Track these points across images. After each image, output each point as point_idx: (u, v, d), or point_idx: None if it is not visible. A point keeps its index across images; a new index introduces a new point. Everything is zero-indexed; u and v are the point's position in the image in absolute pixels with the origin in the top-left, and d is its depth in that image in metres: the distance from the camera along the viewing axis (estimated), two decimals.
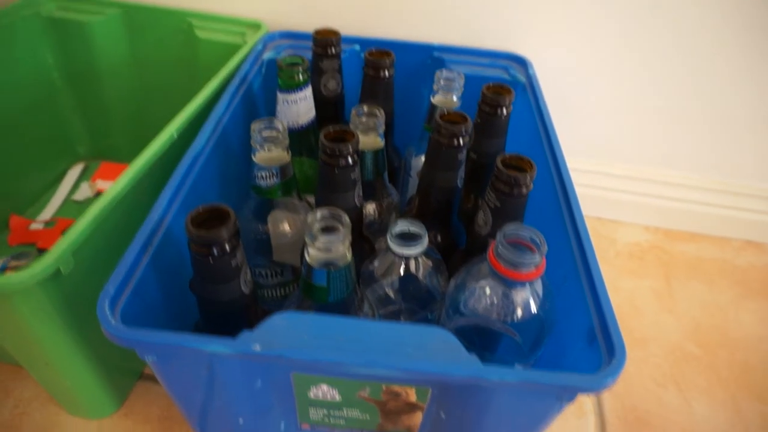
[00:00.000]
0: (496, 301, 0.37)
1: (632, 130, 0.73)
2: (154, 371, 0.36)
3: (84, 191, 0.74)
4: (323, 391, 0.44)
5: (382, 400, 0.44)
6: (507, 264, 0.35)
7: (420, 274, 0.44)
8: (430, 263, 0.45)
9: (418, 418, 0.46)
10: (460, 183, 0.48)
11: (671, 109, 0.71)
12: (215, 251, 0.34)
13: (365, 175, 0.50)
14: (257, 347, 0.32)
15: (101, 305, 0.33)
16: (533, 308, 0.37)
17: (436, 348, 0.33)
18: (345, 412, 0.46)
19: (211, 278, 0.36)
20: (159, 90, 0.72)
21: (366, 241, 0.50)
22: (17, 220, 0.67)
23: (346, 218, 0.38)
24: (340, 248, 0.37)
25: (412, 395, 0.43)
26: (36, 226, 0.67)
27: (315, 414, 0.47)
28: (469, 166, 0.53)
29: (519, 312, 0.37)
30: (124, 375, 0.54)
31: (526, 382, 0.32)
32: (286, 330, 0.33)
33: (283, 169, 0.46)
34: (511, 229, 0.36)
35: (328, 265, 0.38)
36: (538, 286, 0.37)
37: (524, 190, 0.41)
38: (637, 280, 0.70)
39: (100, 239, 0.40)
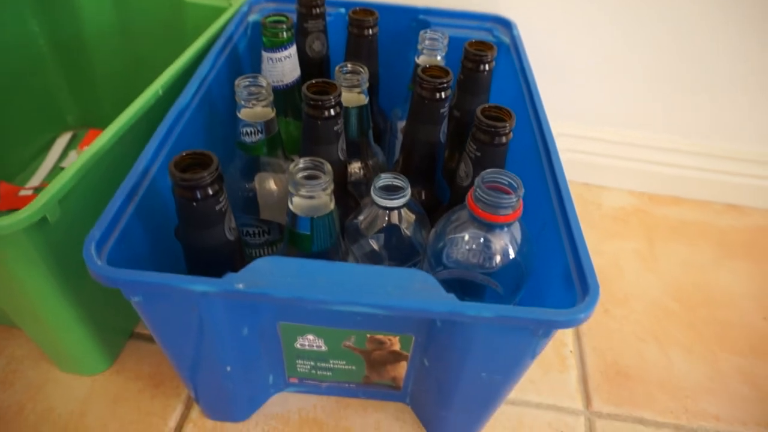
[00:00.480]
0: (475, 247, 0.38)
1: (617, 94, 0.74)
2: (141, 315, 0.37)
3: (72, 159, 0.74)
4: (309, 340, 0.45)
5: (367, 349, 0.45)
6: (486, 206, 0.36)
7: (403, 227, 0.45)
8: (413, 216, 0.45)
9: (402, 368, 0.48)
10: (443, 138, 0.49)
11: (656, 73, 0.71)
12: (198, 194, 0.35)
13: (349, 133, 0.50)
14: (241, 285, 0.33)
15: (87, 247, 0.33)
16: (512, 252, 0.38)
17: (415, 288, 0.34)
18: (331, 363, 0.48)
19: (195, 223, 0.37)
20: (147, 57, 0.72)
21: (351, 197, 0.51)
22: (6, 187, 0.68)
23: (328, 166, 0.38)
24: (323, 195, 0.38)
25: (396, 344, 0.44)
26: (25, 192, 0.68)
27: (302, 366, 0.49)
28: (452, 124, 0.53)
29: (498, 256, 0.38)
30: (115, 333, 0.54)
31: (502, 317, 0.33)
32: (270, 271, 0.34)
33: (267, 125, 0.46)
34: (489, 173, 0.37)
35: (311, 211, 0.38)
36: (517, 230, 0.38)
37: (504, 140, 0.41)
38: (621, 242, 0.71)
39: (87, 190, 0.41)
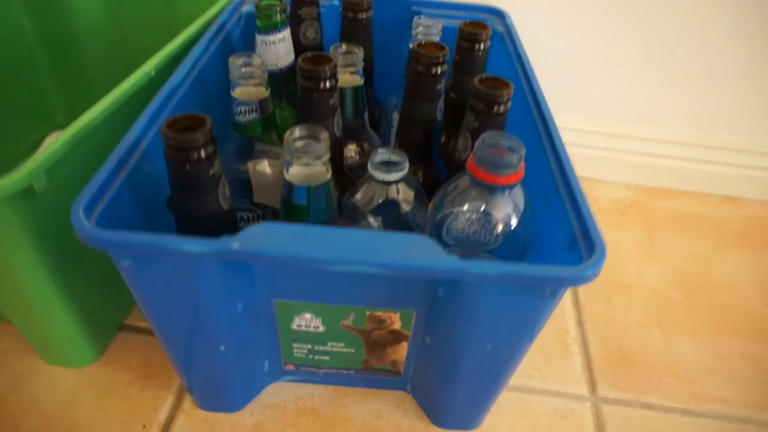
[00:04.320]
0: (477, 214, 0.37)
1: (612, 86, 0.74)
2: (130, 285, 0.36)
3: None
4: (306, 320, 0.43)
5: (366, 328, 0.44)
6: (487, 167, 0.35)
7: (402, 202, 0.44)
8: (411, 192, 0.45)
9: (403, 349, 0.46)
10: (439, 116, 0.48)
11: (651, 65, 0.72)
12: (191, 156, 0.34)
13: (345, 114, 0.50)
14: (236, 245, 0.32)
15: (75, 210, 0.32)
16: (515, 218, 0.37)
17: (416, 251, 0.33)
18: (329, 345, 0.46)
19: (188, 189, 0.36)
20: (138, 54, 0.71)
21: (347, 178, 0.50)
22: None
23: (325, 134, 0.38)
24: (319, 164, 0.37)
25: (396, 321, 0.43)
26: None
27: (299, 350, 0.47)
28: (449, 106, 0.53)
29: (501, 223, 0.37)
30: (104, 324, 0.52)
31: (508, 274, 0.32)
32: (266, 235, 0.33)
33: (261, 104, 0.45)
34: (490, 135, 0.36)
35: (308, 180, 0.37)
36: (519, 195, 0.37)
37: (502, 108, 0.41)
38: (620, 232, 0.70)
39: (77, 165, 0.40)
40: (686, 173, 0.77)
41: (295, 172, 0.37)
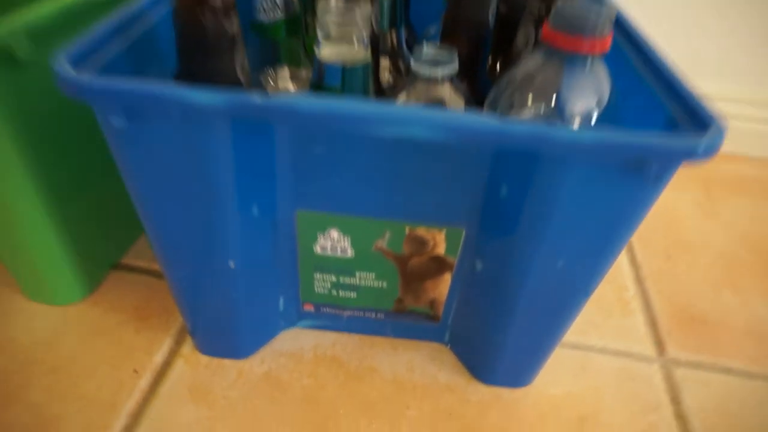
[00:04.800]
0: (552, 94, 0.30)
1: (678, 41, 0.67)
2: (119, 159, 0.29)
3: None
4: (333, 240, 0.36)
5: (403, 254, 0.37)
6: (569, 29, 0.28)
7: (449, 103, 0.37)
8: (460, 94, 0.38)
9: (445, 284, 0.39)
10: (491, 21, 0.42)
11: (707, 15, 0.65)
12: (206, 8, 0.27)
13: (381, 23, 0.44)
14: (257, 99, 0.25)
15: (57, 58, 0.25)
16: (597, 99, 0.30)
17: (480, 119, 0.26)
18: (358, 277, 0.39)
19: (201, 50, 0.29)
20: None
21: (381, 91, 0.43)
22: None
23: (366, 7, 0.31)
24: (356, 39, 0.31)
25: (440, 243, 0.36)
26: None
27: (321, 284, 0.40)
28: (498, 21, 0.46)
29: (582, 104, 0.30)
30: (96, 259, 0.46)
31: (606, 144, 0.25)
32: (295, 96, 0.26)
33: (286, 2, 0.39)
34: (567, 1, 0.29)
35: (344, 58, 0.31)
36: (603, 73, 0.30)
37: None
38: (676, 192, 0.63)
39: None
40: (745, 136, 0.69)
41: (329, 50, 0.31)
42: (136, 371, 0.40)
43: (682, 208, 0.61)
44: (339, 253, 0.37)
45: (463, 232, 0.35)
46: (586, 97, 0.30)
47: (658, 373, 0.43)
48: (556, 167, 0.27)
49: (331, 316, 0.42)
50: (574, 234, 0.29)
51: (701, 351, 0.45)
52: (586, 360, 0.43)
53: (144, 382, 0.39)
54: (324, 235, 0.36)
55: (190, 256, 0.33)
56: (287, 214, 0.34)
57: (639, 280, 0.51)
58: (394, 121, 0.25)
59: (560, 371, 0.42)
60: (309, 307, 0.42)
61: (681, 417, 0.40)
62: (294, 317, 0.43)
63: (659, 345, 0.45)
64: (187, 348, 0.42)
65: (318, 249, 0.37)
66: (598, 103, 0.30)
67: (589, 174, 0.26)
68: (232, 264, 0.34)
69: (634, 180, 0.26)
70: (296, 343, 0.43)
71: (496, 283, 0.35)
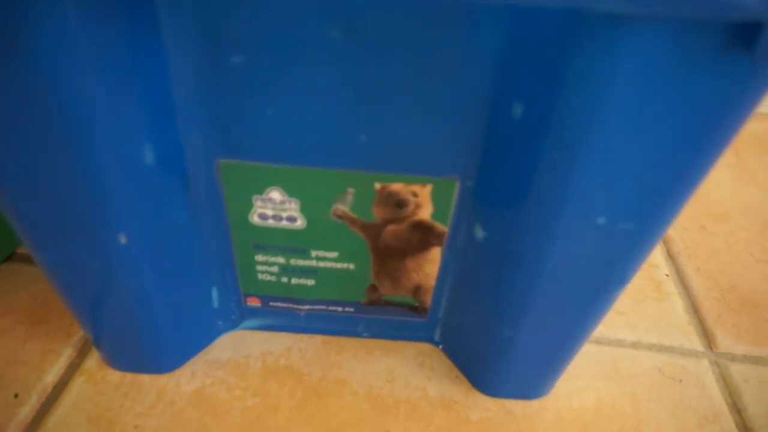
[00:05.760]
0: None
1: None
2: None
3: None
4: (274, 203, 0.26)
5: (375, 221, 0.27)
6: None
7: None
8: None
9: (434, 262, 0.29)
10: None
11: None
12: None
13: None
14: None
15: None
16: None
17: None
18: (314, 257, 0.28)
19: None
20: None
21: None
22: None
23: None
24: None
25: (425, 203, 0.26)
26: None
27: (266, 270, 0.29)
28: None
29: None
30: None
31: None
32: None
33: None
34: None
35: None
36: None
37: None
38: None
39: None
40: None
41: None
42: (16, 395, 0.29)
43: (714, 171, 0.51)
44: (285, 223, 0.27)
45: (457, 185, 0.25)
46: None
47: (709, 372, 0.33)
48: (606, 43, 0.16)
49: (285, 313, 0.32)
50: (628, 167, 0.19)
51: (760, 341, 0.35)
52: (617, 359, 0.34)
53: (26, 411, 0.29)
54: (262, 197, 0.26)
55: (58, 228, 0.23)
56: (203, 165, 0.24)
57: (671, 257, 0.42)
58: None
59: (585, 375, 0.32)
60: (254, 302, 0.32)
61: (747, 430, 0.30)
62: (235, 316, 0.33)
63: (707, 335, 0.36)
64: (93, 361, 0.31)
65: (255, 218, 0.27)
66: None
67: (664, 49, 0.16)
68: (122, 239, 0.23)
69: (739, 59, 0.16)
70: (239, 350, 0.32)
71: (504, 257, 0.25)
